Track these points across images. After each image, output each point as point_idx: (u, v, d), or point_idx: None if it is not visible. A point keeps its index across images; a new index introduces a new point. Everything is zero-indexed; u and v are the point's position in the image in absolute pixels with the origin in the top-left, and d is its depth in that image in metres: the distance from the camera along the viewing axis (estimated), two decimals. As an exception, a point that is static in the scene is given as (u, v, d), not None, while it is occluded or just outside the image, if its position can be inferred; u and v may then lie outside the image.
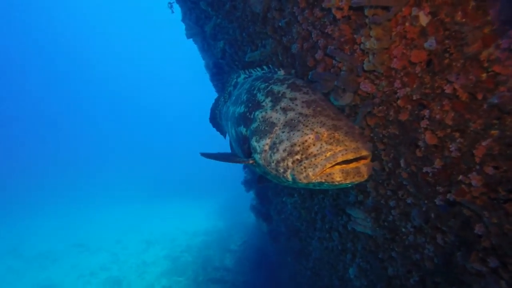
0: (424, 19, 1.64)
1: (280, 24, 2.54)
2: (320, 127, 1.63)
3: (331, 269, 4.17)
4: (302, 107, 1.78)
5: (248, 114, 2.06)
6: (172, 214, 15.72)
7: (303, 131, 1.66)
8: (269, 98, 1.96)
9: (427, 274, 2.44)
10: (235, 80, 2.70)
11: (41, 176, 26.12)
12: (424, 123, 1.80)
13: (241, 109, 2.18)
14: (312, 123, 1.67)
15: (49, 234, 13.30)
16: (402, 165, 2.03)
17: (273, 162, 1.75)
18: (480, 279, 1.84)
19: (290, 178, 1.69)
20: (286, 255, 6.28)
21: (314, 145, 1.60)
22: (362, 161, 1.55)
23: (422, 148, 1.88)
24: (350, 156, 1.52)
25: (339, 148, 1.54)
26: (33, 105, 43.67)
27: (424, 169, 1.95)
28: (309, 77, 2.21)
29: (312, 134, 1.62)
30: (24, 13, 45.12)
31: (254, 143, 1.88)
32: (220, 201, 16.18)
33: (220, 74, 4.63)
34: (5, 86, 43.07)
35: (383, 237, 2.69)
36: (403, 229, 2.46)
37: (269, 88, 2.04)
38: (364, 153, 1.53)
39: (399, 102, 1.86)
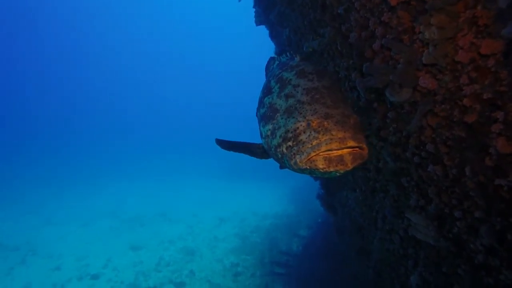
0: (503, 0, 1.34)
1: (338, 11, 2.36)
2: (311, 115, 1.62)
3: (393, 272, 3.89)
4: (302, 94, 1.77)
5: (262, 99, 2.10)
6: (245, 194, 16.44)
7: (297, 119, 1.67)
8: (278, 85, 1.98)
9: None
10: (272, 66, 2.69)
11: (137, 151, 30.09)
12: (496, 127, 1.50)
13: (260, 94, 2.23)
14: (306, 110, 1.67)
15: (139, 202, 15.31)
16: (467, 173, 1.75)
17: (272, 147, 1.81)
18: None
19: (286, 163, 1.73)
20: (350, 249, 6.07)
21: (304, 132, 1.61)
22: (348, 150, 1.50)
23: (494, 157, 1.58)
24: (334, 146, 1.49)
25: (324, 137, 1.53)
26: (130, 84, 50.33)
27: (497, 181, 1.64)
28: (363, 70, 2.03)
29: (304, 121, 1.63)
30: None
31: (261, 128, 1.96)
32: (292, 186, 16.28)
33: (285, 62, 4.56)
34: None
35: (447, 249, 2.38)
36: (472, 245, 2.13)
37: (280, 75, 2.05)
38: (351, 143, 1.49)
39: (465, 101, 1.58)
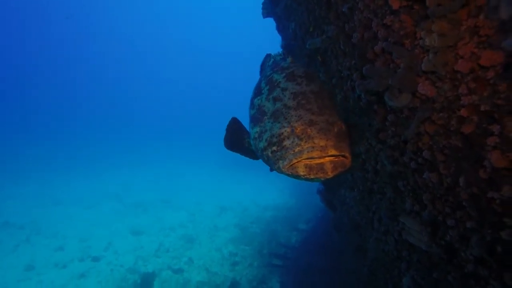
0: (506, 11, 1.30)
1: (343, 9, 2.31)
2: (296, 121, 1.62)
3: (386, 273, 3.91)
4: (289, 98, 1.76)
5: (253, 100, 2.10)
6: (247, 185, 16.51)
7: (282, 124, 1.67)
8: (268, 87, 1.97)
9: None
10: (268, 63, 2.66)
11: (142, 138, 30.40)
12: (492, 140, 1.47)
13: (252, 94, 2.23)
14: (291, 116, 1.66)
15: (142, 187, 15.50)
16: (461, 183, 1.73)
17: (259, 150, 1.82)
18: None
19: (272, 167, 1.75)
20: (347, 246, 6.09)
21: (288, 138, 1.61)
22: (330, 158, 1.51)
23: (488, 169, 1.56)
24: (315, 154, 1.49)
25: (307, 145, 1.52)
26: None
27: (490, 194, 1.62)
28: (363, 72, 2.00)
29: (288, 127, 1.63)
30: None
31: (250, 129, 1.97)
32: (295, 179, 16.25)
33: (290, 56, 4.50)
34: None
35: (438, 256, 2.37)
36: (463, 254, 2.12)
37: (270, 76, 2.03)
38: (332, 152, 1.49)
39: (462, 111, 1.55)
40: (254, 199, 14.28)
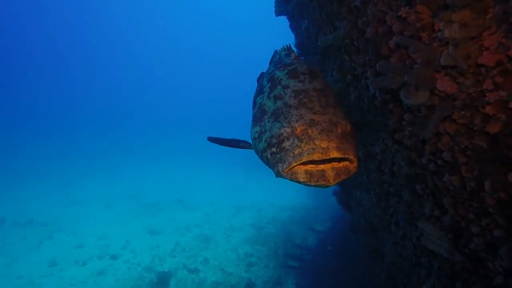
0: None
1: (355, 3, 2.18)
2: (296, 121, 1.50)
3: (405, 279, 3.73)
4: (290, 96, 1.64)
5: (255, 98, 2.01)
6: (263, 184, 16.36)
7: (282, 124, 1.56)
8: (269, 84, 1.86)
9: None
10: (274, 60, 2.56)
11: (156, 137, 30.79)
12: (522, 141, 1.33)
13: (255, 92, 2.13)
14: (292, 115, 1.55)
15: (158, 187, 15.65)
16: (486, 188, 1.58)
17: (259, 151, 1.71)
18: None
19: (273, 170, 1.64)
20: (364, 249, 5.92)
21: (287, 139, 1.50)
22: (332, 165, 1.39)
23: (517, 173, 1.41)
24: (315, 157, 1.37)
25: (307, 147, 1.41)
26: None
27: (520, 199, 1.47)
28: (376, 69, 1.87)
29: (288, 127, 1.51)
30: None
31: (251, 129, 1.86)
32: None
33: (303, 54, 4.38)
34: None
35: (462, 264, 2.21)
36: (490, 264, 1.96)
37: (273, 73, 1.93)
38: (335, 154, 1.36)
39: (487, 108, 1.40)
40: (270, 199, 14.16)
